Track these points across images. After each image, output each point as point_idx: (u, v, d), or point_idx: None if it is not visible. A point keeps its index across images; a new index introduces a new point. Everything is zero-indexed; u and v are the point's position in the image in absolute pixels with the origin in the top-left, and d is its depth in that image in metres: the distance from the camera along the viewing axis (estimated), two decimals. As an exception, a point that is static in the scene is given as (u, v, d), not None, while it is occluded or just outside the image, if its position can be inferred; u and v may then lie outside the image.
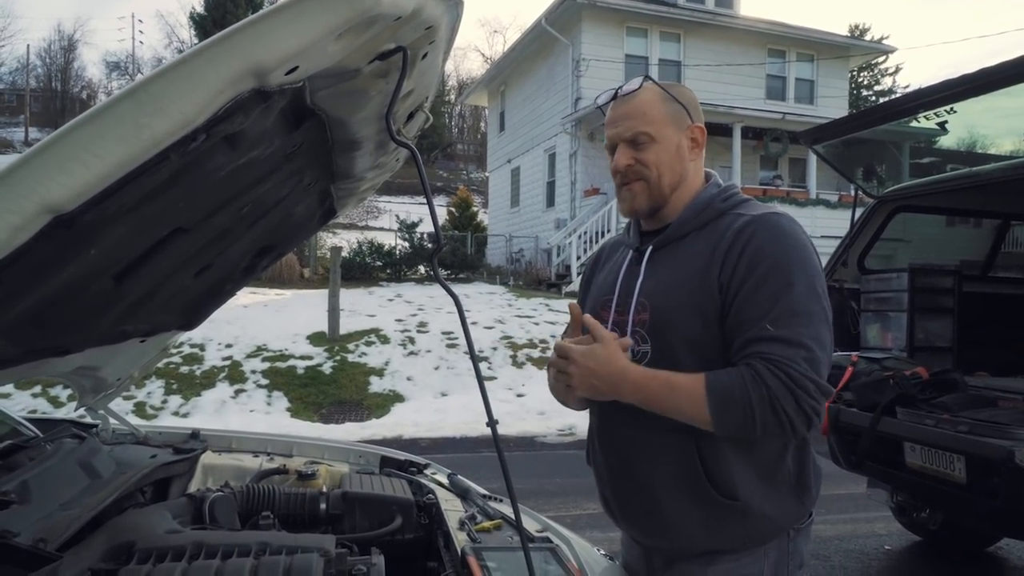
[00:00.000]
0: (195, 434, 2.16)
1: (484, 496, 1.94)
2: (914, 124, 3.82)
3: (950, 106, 3.15)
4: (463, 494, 1.95)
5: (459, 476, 2.08)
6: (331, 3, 0.71)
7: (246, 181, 1.12)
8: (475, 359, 1.03)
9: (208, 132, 0.76)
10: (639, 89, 1.39)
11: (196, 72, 0.70)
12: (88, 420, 2.15)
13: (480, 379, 1.03)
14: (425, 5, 0.85)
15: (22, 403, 7.10)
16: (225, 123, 0.77)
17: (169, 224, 1.04)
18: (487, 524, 1.69)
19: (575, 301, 1.50)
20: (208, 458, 2.06)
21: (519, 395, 8.23)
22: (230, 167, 0.95)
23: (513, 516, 1.73)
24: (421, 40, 0.95)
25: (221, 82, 0.72)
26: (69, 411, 6.62)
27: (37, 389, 7.60)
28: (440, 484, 2.02)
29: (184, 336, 2.11)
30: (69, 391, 7.50)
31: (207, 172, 0.91)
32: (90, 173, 0.70)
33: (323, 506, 1.75)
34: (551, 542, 1.60)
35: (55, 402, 7.48)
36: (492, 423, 1.01)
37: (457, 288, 12.89)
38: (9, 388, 6.96)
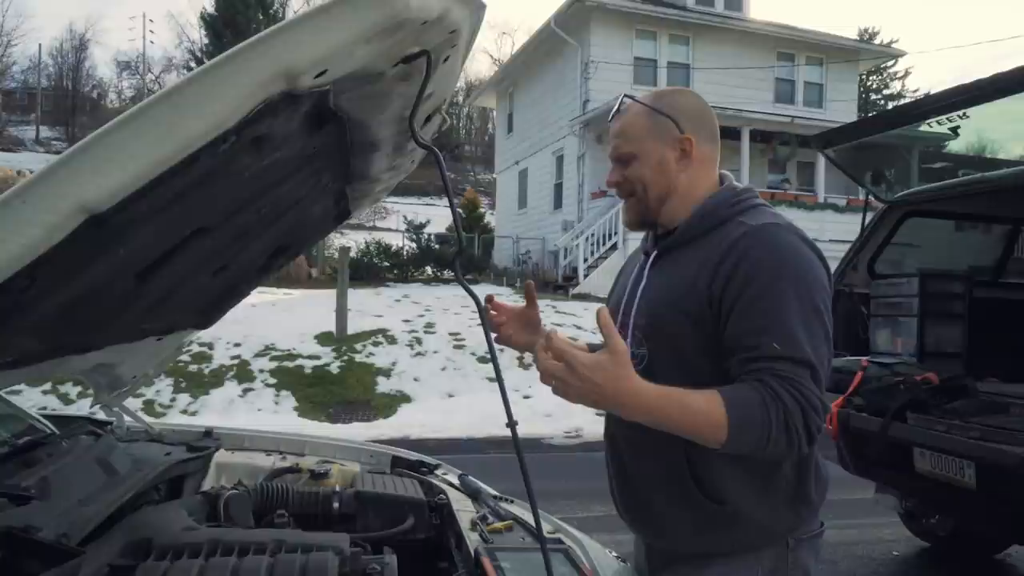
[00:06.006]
0: (208, 432, 2.17)
1: (495, 497, 1.94)
2: (925, 128, 3.80)
3: (963, 111, 3.14)
4: (474, 495, 1.95)
5: (470, 477, 2.09)
6: (362, 7, 0.72)
7: (267, 182, 1.13)
8: (495, 360, 1.04)
9: (238, 134, 0.78)
10: (620, 109, 1.42)
11: (230, 75, 0.71)
12: (102, 417, 2.16)
13: (500, 380, 1.04)
14: (451, 9, 0.86)
15: (33, 400, 7.13)
16: (254, 125, 0.78)
17: (193, 224, 1.06)
18: (499, 525, 1.69)
19: (602, 307, 1.46)
20: (221, 456, 2.07)
21: (526, 396, 8.21)
22: (254, 168, 0.97)
23: (525, 517, 1.74)
24: (444, 44, 0.96)
25: (253, 85, 0.73)
26: (80, 408, 6.66)
27: (47, 386, 7.63)
28: (451, 484, 2.02)
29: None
30: (79, 388, 7.54)
31: (233, 173, 0.92)
32: (125, 174, 0.71)
33: (336, 505, 1.75)
34: (563, 543, 1.61)
35: (65, 399, 7.52)
36: (512, 424, 1.02)
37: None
38: (20, 385, 7.00)
